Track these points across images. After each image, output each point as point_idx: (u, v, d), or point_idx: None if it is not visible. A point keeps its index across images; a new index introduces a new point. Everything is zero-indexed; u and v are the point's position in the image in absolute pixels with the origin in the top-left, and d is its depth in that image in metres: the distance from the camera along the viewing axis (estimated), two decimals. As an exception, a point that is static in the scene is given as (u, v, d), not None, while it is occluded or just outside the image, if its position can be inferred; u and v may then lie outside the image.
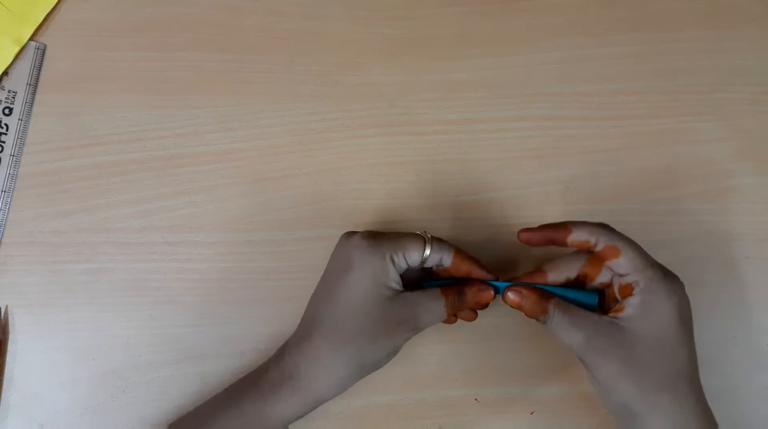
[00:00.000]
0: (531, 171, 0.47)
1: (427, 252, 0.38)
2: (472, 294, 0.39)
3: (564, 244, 0.38)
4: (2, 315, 0.44)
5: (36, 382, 0.44)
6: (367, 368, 0.38)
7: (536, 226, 0.39)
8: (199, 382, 0.44)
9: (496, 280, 0.40)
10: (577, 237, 0.38)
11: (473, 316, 0.41)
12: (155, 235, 0.45)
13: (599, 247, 0.37)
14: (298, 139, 0.47)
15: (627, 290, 0.37)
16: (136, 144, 0.46)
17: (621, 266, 0.37)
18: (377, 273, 0.37)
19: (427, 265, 0.39)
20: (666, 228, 0.46)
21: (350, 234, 0.39)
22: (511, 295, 0.38)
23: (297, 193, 0.46)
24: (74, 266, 0.45)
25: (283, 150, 0.47)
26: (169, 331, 0.44)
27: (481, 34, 0.48)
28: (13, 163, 0.46)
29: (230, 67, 0.47)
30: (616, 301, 0.38)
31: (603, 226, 0.38)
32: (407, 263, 0.38)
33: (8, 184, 0.45)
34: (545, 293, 0.38)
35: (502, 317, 0.45)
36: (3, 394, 0.43)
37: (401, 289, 0.38)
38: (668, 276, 0.37)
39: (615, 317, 0.37)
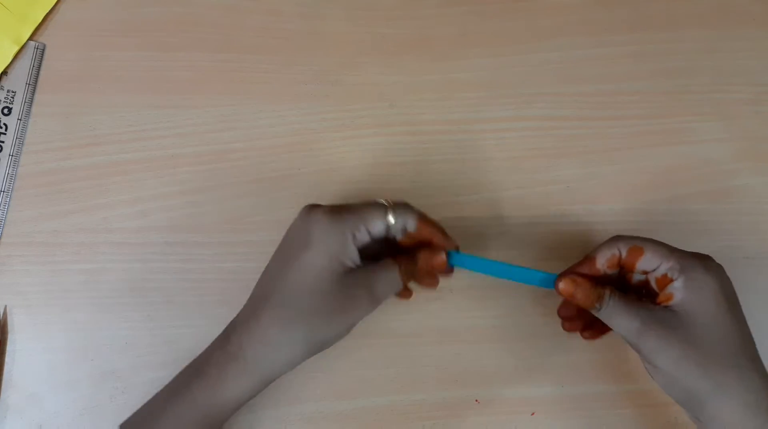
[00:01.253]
0: (531, 171, 0.47)
1: (391, 219, 0.37)
2: (424, 258, 0.38)
3: (599, 273, 0.38)
4: (1, 315, 0.44)
5: (35, 383, 0.43)
6: (318, 345, 0.37)
7: (568, 277, 0.38)
8: (199, 383, 0.44)
9: (457, 249, 0.40)
10: (601, 259, 0.38)
11: (433, 282, 0.41)
12: (154, 235, 0.45)
13: (624, 254, 0.37)
14: (298, 139, 0.47)
15: (665, 280, 0.36)
16: (136, 144, 0.46)
17: (649, 261, 0.37)
18: (335, 250, 0.36)
19: (392, 232, 0.38)
20: (666, 228, 0.46)
21: (312, 208, 0.38)
22: (562, 285, 0.37)
23: (297, 193, 0.46)
24: (73, 266, 0.45)
25: (283, 150, 0.46)
26: (168, 332, 0.44)
27: (481, 34, 0.48)
28: (12, 163, 0.45)
29: (230, 67, 0.47)
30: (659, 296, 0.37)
31: (617, 236, 0.38)
32: (370, 235, 0.37)
33: (7, 184, 0.45)
34: (599, 280, 0.37)
35: (502, 318, 0.45)
36: (2, 395, 0.43)
37: (357, 264, 0.37)
38: (698, 255, 0.37)
39: (666, 306, 0.36)
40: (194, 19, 0.48)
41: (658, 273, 0.37)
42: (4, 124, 0.46)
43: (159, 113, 0.47)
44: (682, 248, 0.46)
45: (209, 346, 0.39)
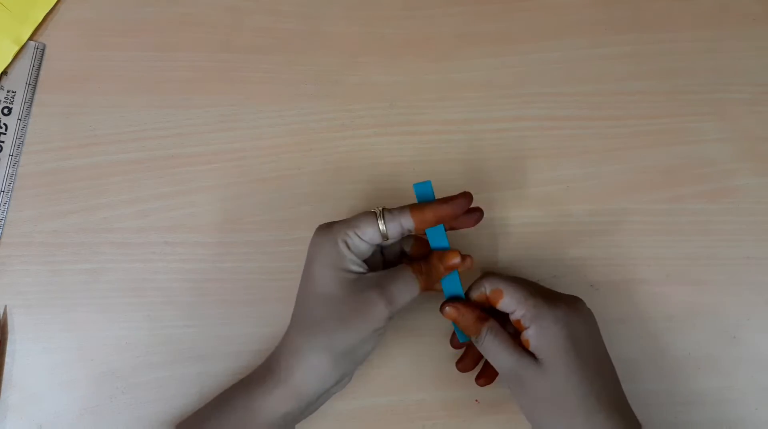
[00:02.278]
0: (531, 171, 0.47)
1: (382, 225, 0.37)
2: (437, 255, 0.38)
3: (481, 303, 0.40)
4: (1, 315, 0.44)
5: (35, 383, 0.43)
6: (343, 355, 0.37)
7: (455, 303, 0.40)
8: (198, 383, 0.44)
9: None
10: (472, 294, 0.40)
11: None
12: (154, 235, 0.45)
13: (488, 292, 0.39)
14: (298, 139, 0.47)
15: (519, 325, 0.38)
16: (136, 144, 0.46)
17: (507, 305, 0.38)
18: (333, 258, 0.37)
19: (392, 237, 0.38)
20: (666, 228, 0.46)
21: (318, 227, 0.39)
22: (448, 309, 0.39)
23: (297, 193, 0.46)
24: (73, 266, 0.45)
25: (283, 150, 0.46)
26: (168, 332, 0.44)
27: (481, 34, 0.48)
28: (12, 163, 0.45)
29: (230, 67, 0.47)
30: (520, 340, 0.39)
31: (487, 274, 0.40)
32: (365, 242, 0.37)
33: (7, 184, 0.45)
34: (482, 315, 0.39)
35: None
36: (2, 395, 0.43)
37: (365, 269, 0.38)
38: (551, 301, 0.38)
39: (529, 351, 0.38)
40: (194, 19, 0.48)
41: (514, 317, 0.38)
42: (4, 124, 0.46)
43: (159, 113, 0.47)
44: (682, 248, 0.47)
45: (259, 365, 0.40)
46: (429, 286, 0.38)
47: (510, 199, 0.46)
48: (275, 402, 0.37)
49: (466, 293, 0.40)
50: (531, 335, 0.37)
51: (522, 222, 0.46)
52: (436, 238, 0.39)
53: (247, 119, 0.47)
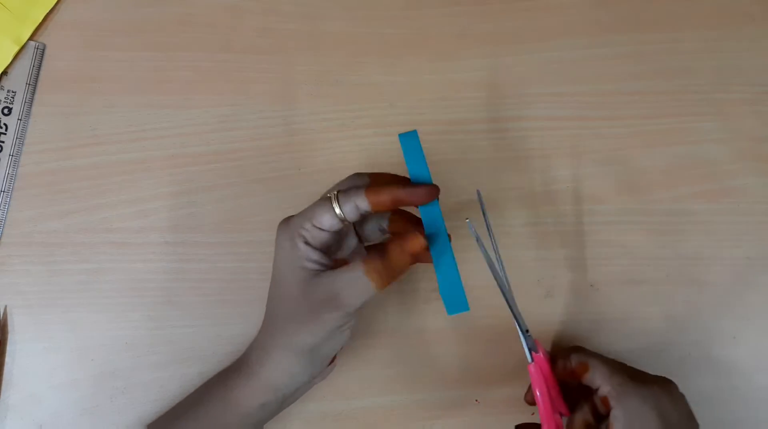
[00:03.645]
0: (531, 171, 0.47)
1: (338, 209, 0.35)
2: (396, 250, 0.34)
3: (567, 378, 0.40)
4: (1, 315, 0.44)
5: (35, 383, 0.43)
6: (309, 353, 0.36)
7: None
8: (198, 383, 0.44)
9: (437, 194, 0.35)
10: (559, 366, 0.40)
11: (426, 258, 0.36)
12: (154, 235, 0.45)
13: (574, 365, 0.39)
14: (298, 139, 0.47)
15: (606, 403, 0.37)
16: (136, 144, 0.46)
17: (592, 379, 0.38)
18: (291, 257, 0.35)
19: (351, 219, 0.35)
20: (666, 228, 0.46)
21: (279, 224, 0.37)
22: None
23: (297, 193, 0.46)
24: (73, 266, 0.45)
25: (283, 150, 0.46)
26: (168, 332, 0.44)
27: (481, 34, 0.48)
28: (12, 163, 0.45)
29: (230, 67, 0.47)
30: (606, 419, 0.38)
31: (575, 348, 0.40)
32: (324, 230, 0.35)
33: (7, 184, 0.45)
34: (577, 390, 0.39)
35: (503, 318, 0.45)
36: (2, 395, 0.43)
37: (322, 265, 0.36)
38: (638, 380, 0.37)
39: None
40: (194, 19, 0.48)
41: (601, 393, 0.37)
42: (4, 124, 0.46)
43: (159, 113, 0.47)
44: (682, 248, 0.47)
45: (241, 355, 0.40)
46: (389, 280, 0.34)
47: (510, 199, 0.46)
48: (251, 393, 0.37)
49: (552, 364, 0.40)
50: (617, 417, 0.36)
51: (522, 222, 0.46)
52: (430, 215, 0.35)
53: (247, 119, 0.47)
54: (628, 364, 0.39)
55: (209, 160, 0.46)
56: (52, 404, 0.43)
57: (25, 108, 0.46)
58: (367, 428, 0.44)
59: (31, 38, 0.47)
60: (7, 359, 0.43)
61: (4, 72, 0.46)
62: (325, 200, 0.35)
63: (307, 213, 0.36)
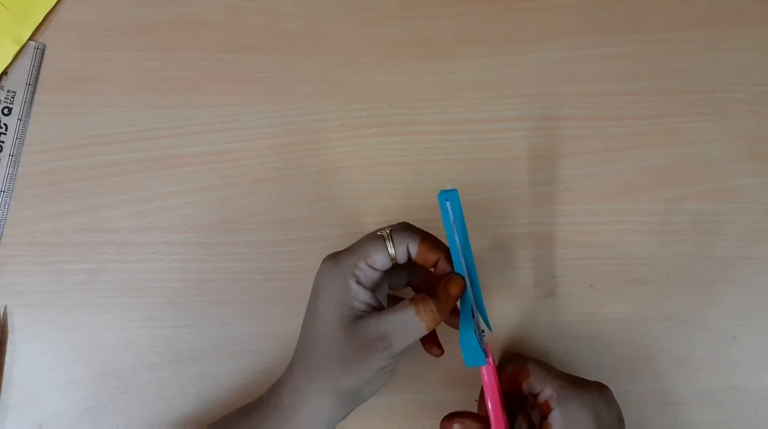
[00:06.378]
0: (531, 171, 0.47)
1: (391, 249, 0.35)
2: (444, 290, 0.36)
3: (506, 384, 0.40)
4: (1, 315, 0.44)
5: (35, 383, 0.43)
6: (349, 397, 0.36)
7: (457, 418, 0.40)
8: (198, 383, 0.44)
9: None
10: (502, 375, 0.40)
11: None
12: (155, 235, 0.45)
13: (514, 371, 0.39)
14: (298, 139, 0.47)
15: (546, 407, 0.37)
16: (136, 144, 0.46)
17: (533, 384, 0.38)
18: (340, 296, 0.35)
19: (399, 261, 0.36)
20: (666, 228, 0.46)
21: (325, 258, 0.37)
22: (456, 426, 0.39)
23: (297, 193, 0.46)
24: (73, 266, 0.45)
25: (283, 150, 0.46)
26: (168, 332, 0.44)
27: (481, 34, 0.48)
28: (12, 163, 0.45)
29: (230, 67, 0.47)
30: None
31: (512, 355, 0.40)
32: (377, 269, 0.36)
33: (7, 184, 0.45)
34: (513, 400, 0.39)
35: (503, 318, 0.45)
36: (2, 395, 0.43)
37: (370, 307, 0.36)
38: (577, 385, 0.37)
39: None
40: (194, 19, 0.48)
41: (541, 398, 0.38)
42: (4, 124, 0.46)
43: (159, 113, 0.47)
44: (682, 248, 0.47)
45: (260, 396, 0.38)
46: (440, 319, 0.36)
47: (510, 199, 0.46)
48: None
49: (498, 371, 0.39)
50: (555, 418, 0.36)
51: (522, 222, 0.46)
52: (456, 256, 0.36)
53: (247, 119, 0.47)
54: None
55: (209, 160, 0.46)
56: (52, 404, 0.43)
57: (25, 108, 0.46)
58: (367, 428, 0.44)
59: (31, 38, 0.47)
60: (7, 359, 0.43)
61: (4, 72, 0.46)
62: (377, 239, 0.36)
63: (359, 251, 0.35)
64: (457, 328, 0.37)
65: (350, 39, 0.48)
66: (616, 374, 0.44)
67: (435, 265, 0.37)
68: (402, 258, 0.36)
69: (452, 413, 0.40)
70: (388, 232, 0.36)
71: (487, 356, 0.37)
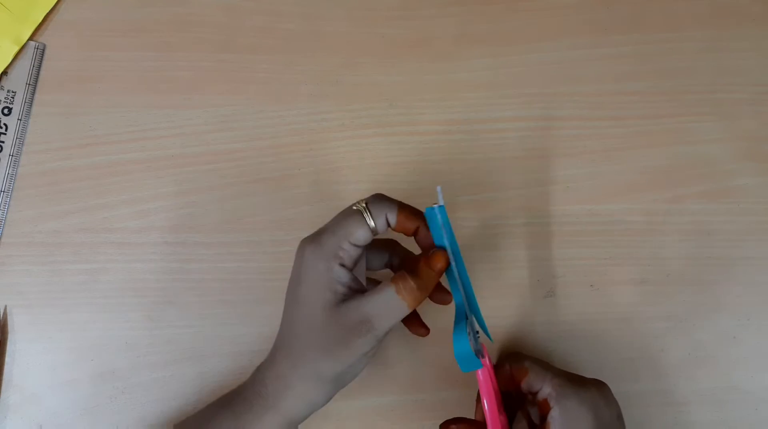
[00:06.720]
0: (531, 171, 0.47)
1: (371, 222, 0.34)
2: (424, 268, 0.35)
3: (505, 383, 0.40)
4: (1, 315, 0.44)
5: (35, 383, 0.43)
6: (332, 383, 0.36)
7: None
8: (198, 383, 0.44)
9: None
10: (500, 372, 0.39)
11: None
12: (155, 235, 0.45)
13: (513, 370, 0.39)
14: (298, 139, 0.47)
15: (544, 406, 0.37)
16: (136, 144, 0.46)
17: (532, 383, 0.38)
18: (322, 280, 0.35)
19: (380, 231, 0.35)
20: (666, 228, 0.46)
21: (301, 242, 0.36)
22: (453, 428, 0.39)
23: (297, 193, 0.46)
24: (73, 266, 0.45)
25: (282, 150, 0.46)
26: (168, 332, 0.44)
27: (481, 34, 0.48)
28: (12, 163, 0.45)
29: (230, 67, 0.47)
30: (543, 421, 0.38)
31: (511, 354, 0.40)
32: (359, 245, 0.35)
33: (7, 184, 0.45)
34: (510, 400, 0.39)
35: (503, 318, 0.45)
36: (2, 395, 0.43)
37: (350, 289, 0.35)
38: (576, 383, 0.37)
39: None
40: (194, 19, 0.48)
41: (540, 396, 0.37)
42: (4, 124, 0.46)
43: (159, 113, 0.47)
44: (682, 248, 0.47)
45: (241, 383, 0.38)
46: (421, 298, 0.35)
47: (510, 199, 0.46)
48: (266, 427, 0.36)
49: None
50: (555, 416, 0.36)
51: (522, 222, 0.46)
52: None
53: (247, 119, 0.47)
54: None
55: (209, 160, 0.46)
56: (52, 404, 0.43)
57: (25, 108, 0.46)
58: (367, 428, 0.44)
59: (31, 38, 0.47)
60: (7, 359, 0.43)
61: (4, 72, 0.46)
62: (355, 214, 0.35)
63: (339, 231, 0.35)
64: (444, 304, 0.37)
65: (350, 39, 0.48)
66: (616, 374, 0.44)
67: (416, 234, 0.36)
68: (382, 228, 0.35)
69: (449, 420, 0.40)
70: (364, 205, 0.35)
71: (483, 356, 0.37)
